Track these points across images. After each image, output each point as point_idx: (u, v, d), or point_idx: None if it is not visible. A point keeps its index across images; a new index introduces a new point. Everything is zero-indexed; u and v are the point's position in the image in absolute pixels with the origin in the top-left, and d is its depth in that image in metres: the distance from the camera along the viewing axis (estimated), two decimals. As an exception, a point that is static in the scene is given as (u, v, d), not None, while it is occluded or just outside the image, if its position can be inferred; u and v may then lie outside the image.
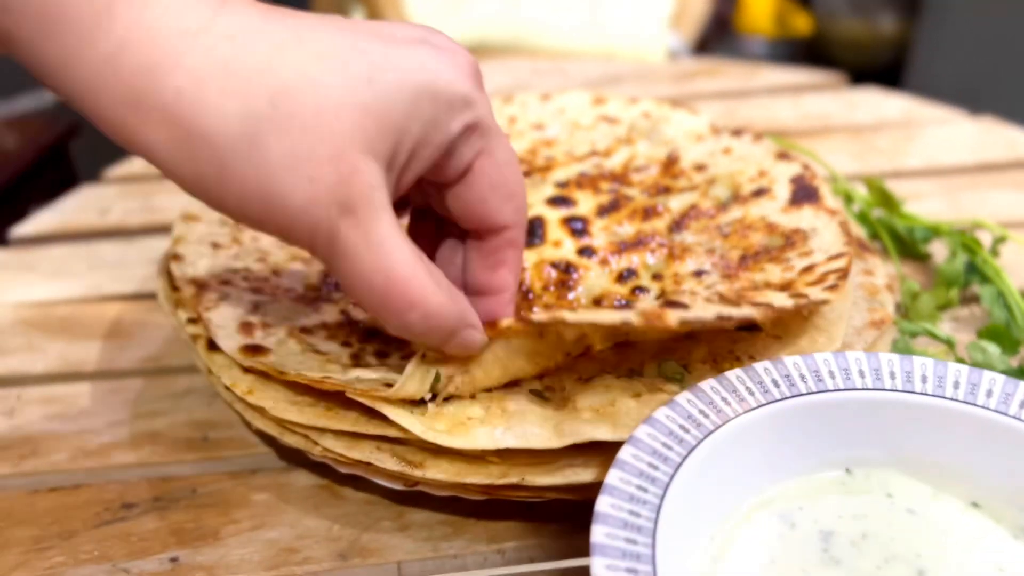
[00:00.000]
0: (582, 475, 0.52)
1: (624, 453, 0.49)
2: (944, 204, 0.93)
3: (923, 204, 0.91)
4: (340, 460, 0.56)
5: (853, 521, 0.52)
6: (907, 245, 0.83)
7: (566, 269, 0.60)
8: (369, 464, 0.55)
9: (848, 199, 0.86)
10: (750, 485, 0.53)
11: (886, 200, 0.82)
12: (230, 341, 0.60)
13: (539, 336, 0.52)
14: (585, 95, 0.80)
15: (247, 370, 0.59)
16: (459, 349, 0.46)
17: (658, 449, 0.50)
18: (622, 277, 0.60)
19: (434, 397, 0.53)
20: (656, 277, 0.60)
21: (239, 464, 0.65)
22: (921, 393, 0.54)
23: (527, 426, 0.52)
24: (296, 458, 0.63)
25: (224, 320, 0.61)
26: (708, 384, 0.54)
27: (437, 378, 0.51)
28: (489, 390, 0.55)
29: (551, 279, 0.59)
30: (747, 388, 0.54)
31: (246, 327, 0.61)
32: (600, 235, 0.63)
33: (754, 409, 0.53)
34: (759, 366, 0.55)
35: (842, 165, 0.92)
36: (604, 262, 0.60)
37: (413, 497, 0.58)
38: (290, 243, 0.40)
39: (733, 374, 0.55)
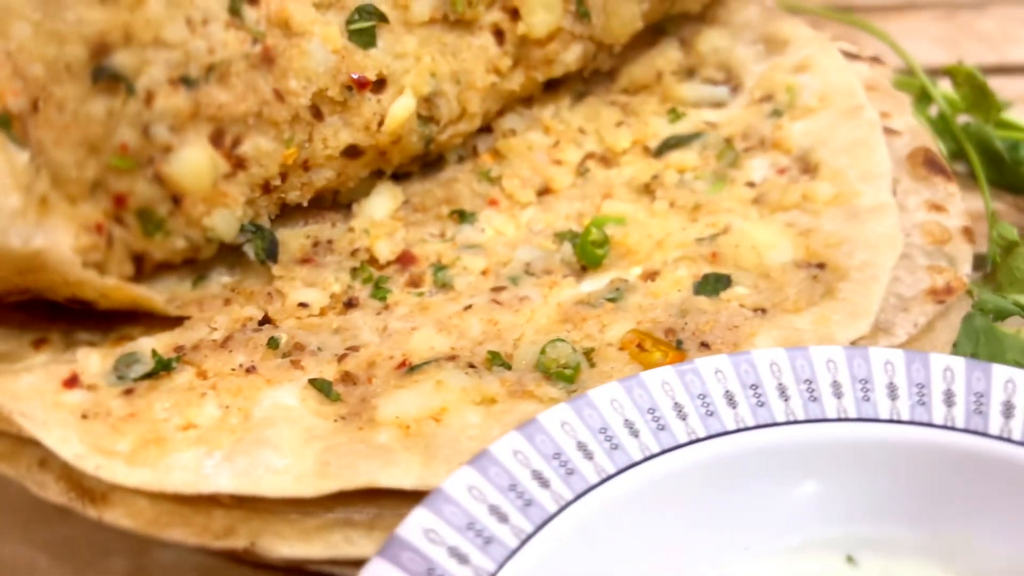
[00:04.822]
0: (358, 545, 0.29)
1: (409, 528, 0.26)
2: (1067, 113, 0.65)
3: (1037, 112, 0.63)
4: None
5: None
6: (1004, 168, 0.56)
7: None
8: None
9: (924, 100, 0.59)
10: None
11: (980, 98, 0.55)
12: None
13: None
14: None
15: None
16: None
17: (478, 521, 0.27)
18: None
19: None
20: None
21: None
22: (999, 437, 0.29)
23: (267, 452, 0.29)
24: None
25: None
26: (606, 394, 0.30)
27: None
28: (251, 369, 0.33)
29: None
30: (676, 405, 0.30)
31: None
32: None
33: (676, 448, 0.29)
34: (709, 365, 0.31)
35: (924, 54, 0.66)
36: None
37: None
38: None
39: (657, 377, 0.31)
